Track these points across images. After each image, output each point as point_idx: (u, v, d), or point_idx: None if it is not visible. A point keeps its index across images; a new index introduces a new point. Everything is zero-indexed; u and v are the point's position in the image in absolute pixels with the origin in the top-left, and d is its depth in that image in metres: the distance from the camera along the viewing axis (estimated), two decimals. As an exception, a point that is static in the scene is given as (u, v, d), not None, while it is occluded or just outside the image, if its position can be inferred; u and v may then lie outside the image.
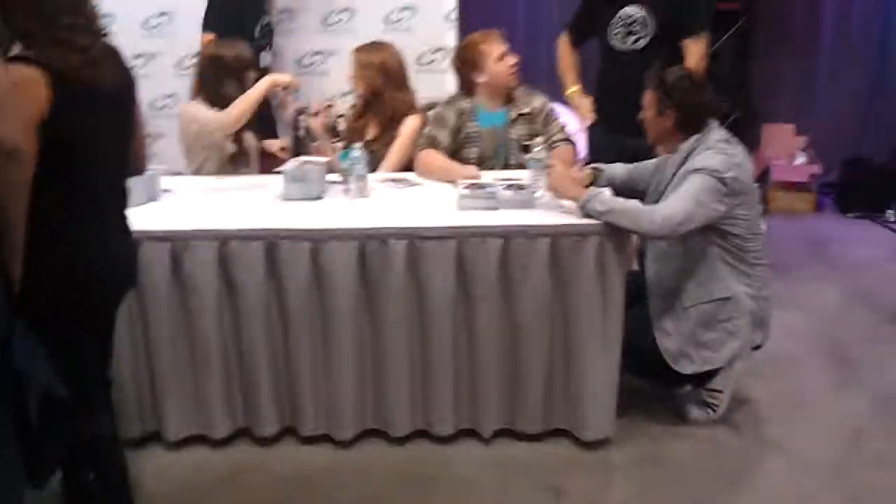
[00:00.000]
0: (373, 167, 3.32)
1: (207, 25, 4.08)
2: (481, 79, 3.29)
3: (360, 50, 3.50)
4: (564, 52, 3.70)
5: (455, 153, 3.30)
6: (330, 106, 3.93)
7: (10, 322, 1.86)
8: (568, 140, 3.33)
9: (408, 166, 3.41)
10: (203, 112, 3.28)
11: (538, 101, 3.34)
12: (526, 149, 3.03)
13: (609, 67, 3.56)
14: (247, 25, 4.17)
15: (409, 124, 3.45)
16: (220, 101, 3.26)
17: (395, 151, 3.42)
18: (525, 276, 2.61)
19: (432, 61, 4.74)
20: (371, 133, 3.54)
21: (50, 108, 1.85)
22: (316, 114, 3.50)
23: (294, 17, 4.77)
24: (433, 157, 3.26)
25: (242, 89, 3.25)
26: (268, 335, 2.68)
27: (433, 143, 3.30)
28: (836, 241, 4.82)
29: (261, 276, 2.62)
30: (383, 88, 3.45)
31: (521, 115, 3.27)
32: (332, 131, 3.49)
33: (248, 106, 3.19)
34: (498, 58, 3.24)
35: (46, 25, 1.89)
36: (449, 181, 3.08)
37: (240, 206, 2.91)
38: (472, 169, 3.15)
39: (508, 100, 3.32)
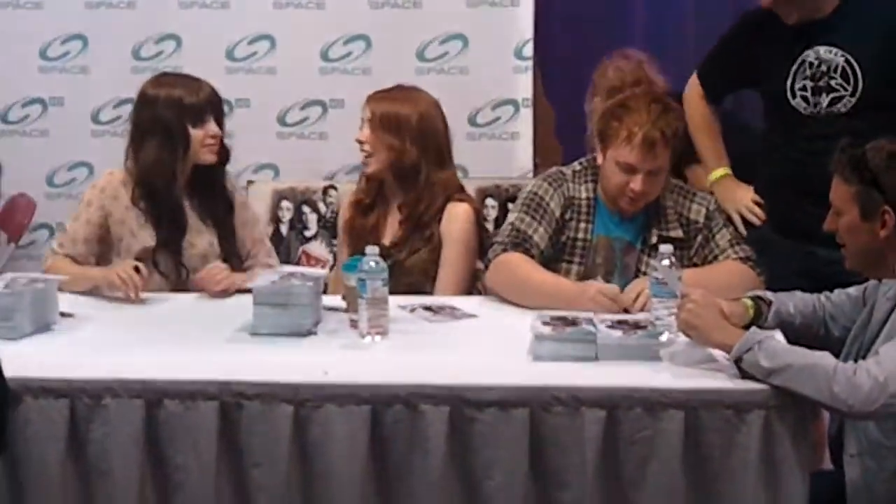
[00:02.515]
0: (394, 285, 3.42)
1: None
2: (601, 164, 3.41)
3: (377, 98, 3.66)
4: (698, 112, 3.79)
5: (544, 267, 3.37)
6: (330, 188, 4.11)
7: None
8: (746, 258, 3.38)
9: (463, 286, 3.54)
10: None
11: (700, 210, 3.42)
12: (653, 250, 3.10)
13: (784, 140, 3.66)
14: None
15: (459, 217, 3.58)
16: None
17: (454, 265, 3.55)
18: (642, 472, 2.63)
19: (494, 121, 4.91)
20: (390, 233, 3.68)
21: None
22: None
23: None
24: (530, 267, 3.33)
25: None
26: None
27: (523, 244, 3.38)
28: None
29: (211, 455, 2.66)
30: (416, 162, 3.59)
31: (664, 238, 3.32)
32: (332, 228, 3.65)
33: None
34: (619, 163, 3.30)
35: None
36: (545, 307, 3.09)
37: (182, 345, 3.00)
38: (609, 290, 3.19)
39: (649, 208, 3.40)
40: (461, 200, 3.63)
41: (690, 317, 2.80)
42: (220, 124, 3.58)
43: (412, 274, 3.59)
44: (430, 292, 3.60)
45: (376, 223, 3.69)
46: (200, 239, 3.59)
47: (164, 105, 3.51)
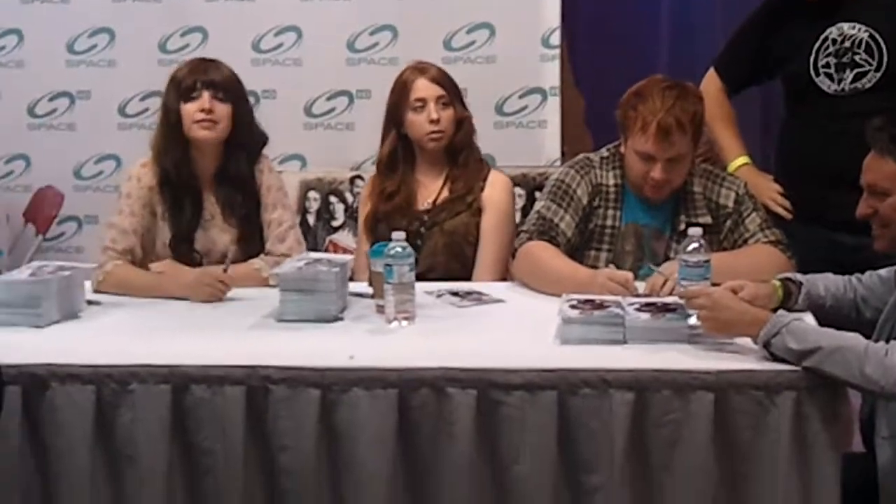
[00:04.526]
0: (432, 247, 3.57)
1: None
2: (624, 153, 3.43)
3: (430, 74, 3.73)
4: (715, 103, 3.77)
5: (571, 256, 3.38)
6: (357, 178, 4.12)
7: None
8: (776, 241, 3.36)
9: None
10: None
11: (729, 194, 3.41)
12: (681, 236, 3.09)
13: (806, 122, 3.67)
14: None
15: (502, 187, 3.71)
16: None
17: (497, 233, 3.63)
18: (672, 455, 2.62)
19: (521, 109, 4.93)
20: (427, 203, 3.73)
21: None
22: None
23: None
24: (550, 255, 3.35)
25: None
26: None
27: (548, 232, 3.39)
28: None
29: (238, 439, 2.68)
30: (472, 127, 3.72)
31: (693, 224, 3.26)
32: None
33: None
34: (638, 152, 3.31)
35: None
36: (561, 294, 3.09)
37: (208, 331, 3.03)
38: (620, 276, 3.18)
39: (678, 195, 3.41)
40: (494, 175, 3.73)
41: (709, 323, 2.78)
42: (233, 105, 3.50)
43: (453, 235, 3.66)
44: (468, 256, 3.67)
45: (406, 200, 3.71)
46: (223, 237, 3.55)
47: (167, 88, 3.52)
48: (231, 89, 3.52)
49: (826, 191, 3.46)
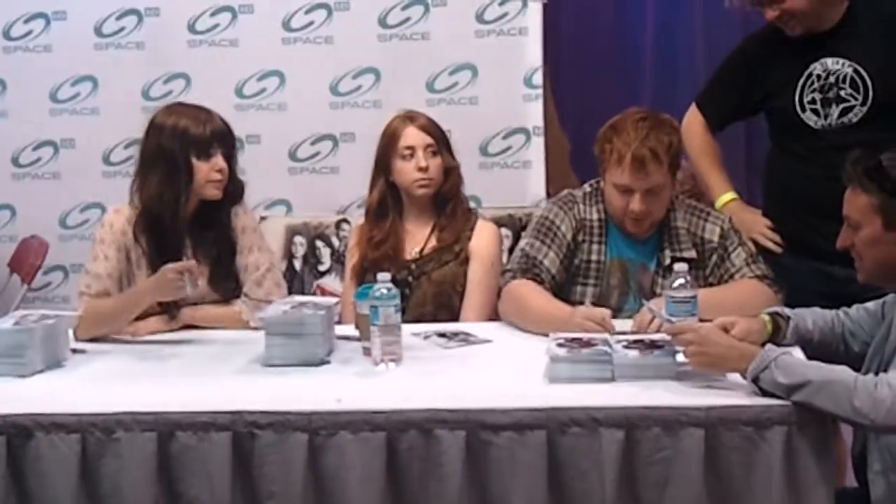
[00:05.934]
0: (420, 297, 3.56)
1: None
2: (604, 188, 3.43)
3: (418, 123, 3.73)
4: (698, 138, 3.80)
5: (556, 292, 3.38)
6: (343, 222, 4.11)
7: None
8: (762, 276, 3.36)
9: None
10: None
11: (714, 229, 3.42)
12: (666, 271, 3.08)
13: (794, 156, 3.66)
14: None
15: (489, 235, 3.68)
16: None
17: (483, 283, 3.61)
18: (663, 493, 2.60)
19: (505, 150, 4.91)
20: (414, 252, 3.71)
21: None
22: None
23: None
24: (533, 294, 3.34)
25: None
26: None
27: (531, 269, 3.39)
28: None
29: (225, 487, 2.65)
30: (460, 177, 3.72)
31: (678, 259, 3.30)
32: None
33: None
34: (616, 185, 3.32)
35: None
36: (543, 332, 3.11)
37: (193, 377, 3.02)
38: (597, 313, 3.15)
39: (662, 229, 3.41)
40: (482, 221, 3.74)
41: (697, 358, 2.76)
42: (228, 159, 3.44)
43: (441, 285, 3.66)
44: (455, 305, 3.66)
45: (393, 249, 3.70)
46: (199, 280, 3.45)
47: (170, 135, 3.38)
48: (232, 143, 3.49)
49: (816, 223, 3.45)
